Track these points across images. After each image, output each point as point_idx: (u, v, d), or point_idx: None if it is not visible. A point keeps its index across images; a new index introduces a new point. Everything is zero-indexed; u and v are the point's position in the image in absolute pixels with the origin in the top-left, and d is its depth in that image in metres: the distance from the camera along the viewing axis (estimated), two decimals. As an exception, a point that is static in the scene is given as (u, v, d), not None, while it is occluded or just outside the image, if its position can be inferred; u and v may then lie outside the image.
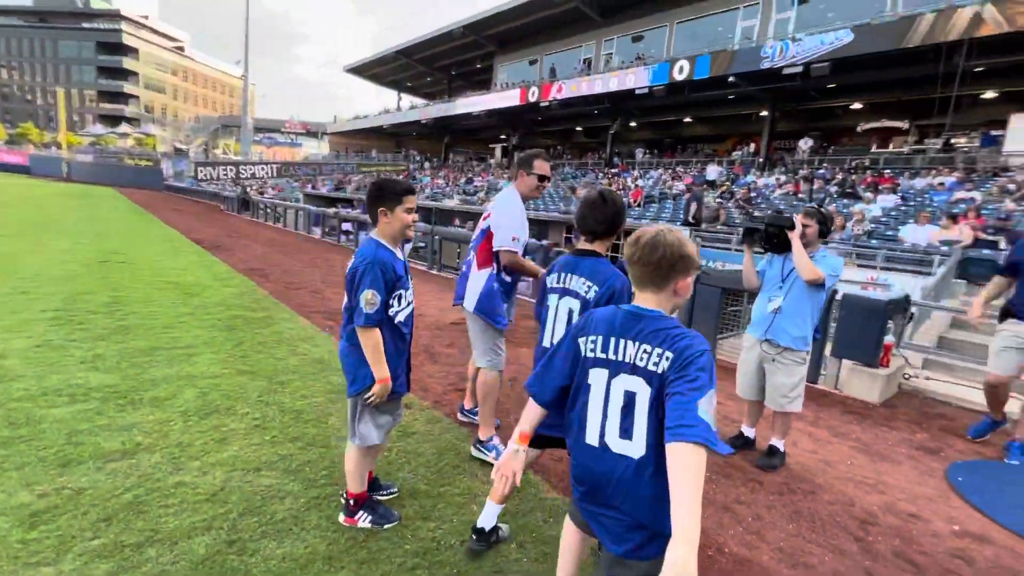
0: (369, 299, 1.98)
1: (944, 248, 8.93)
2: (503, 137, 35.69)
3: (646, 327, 1.28)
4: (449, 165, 36.82)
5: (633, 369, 1.27)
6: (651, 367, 1.24)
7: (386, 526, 2.26)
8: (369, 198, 2.10)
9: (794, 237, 3.05)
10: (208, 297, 6.28)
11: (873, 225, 11.50)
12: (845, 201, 14.68)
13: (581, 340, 1.38)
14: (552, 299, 2.07)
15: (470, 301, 2.89)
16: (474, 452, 2.95)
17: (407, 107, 37.55)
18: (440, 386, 4.04)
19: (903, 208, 13.19)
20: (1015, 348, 3.53)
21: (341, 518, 2.27)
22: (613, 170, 23.47)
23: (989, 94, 18.79)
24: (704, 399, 1.14)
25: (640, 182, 20.48)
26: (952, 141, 20.03)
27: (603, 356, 1.32)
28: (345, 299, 2.13)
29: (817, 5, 20.24)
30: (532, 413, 1.47)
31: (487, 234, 2.88)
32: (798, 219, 3.09)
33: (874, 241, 10.48)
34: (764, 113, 23.39)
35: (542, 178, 2.87)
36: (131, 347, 4.28)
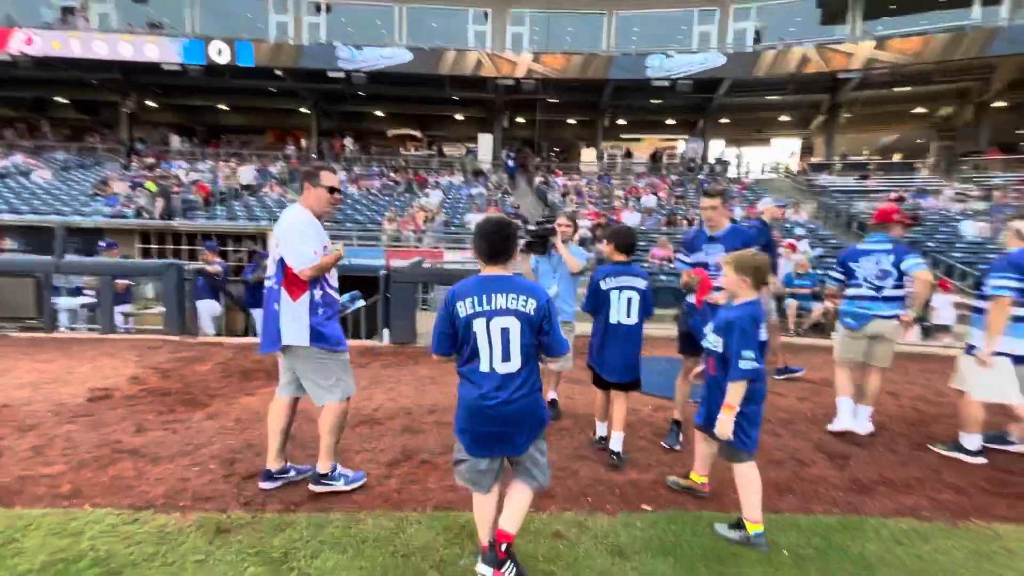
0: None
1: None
2: (-101, 97, 22.31)
3: None
4: None
5: None
6: None
7: None
8: None
9: (557, 241, 4.04)
10: None
11: (446, 215, 14.55)
12: (407, 196, 17.61)
13: None
14: (614, 294, 3.10)
15: (297, 336, 2.57)
16: (318, 489, 2.65)
17: None
18: (228, 489, 2.80)
19: (448, 201, 17.06)
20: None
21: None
22: (149, 160, 19.02)
23: (460, 116, 26.03)
24: None
25: (195, 175, 17.58)
26: (446, 150, 26.98)
27: None
28: None
29: (339, 17, 22.30)
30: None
31: (285, 264, 2.60)
32: (557, 225, 4.09)
33: (452, 228, 13.39)
34: (305, 110, 24.27)
35: (332, 190, 2.68)
36: None
